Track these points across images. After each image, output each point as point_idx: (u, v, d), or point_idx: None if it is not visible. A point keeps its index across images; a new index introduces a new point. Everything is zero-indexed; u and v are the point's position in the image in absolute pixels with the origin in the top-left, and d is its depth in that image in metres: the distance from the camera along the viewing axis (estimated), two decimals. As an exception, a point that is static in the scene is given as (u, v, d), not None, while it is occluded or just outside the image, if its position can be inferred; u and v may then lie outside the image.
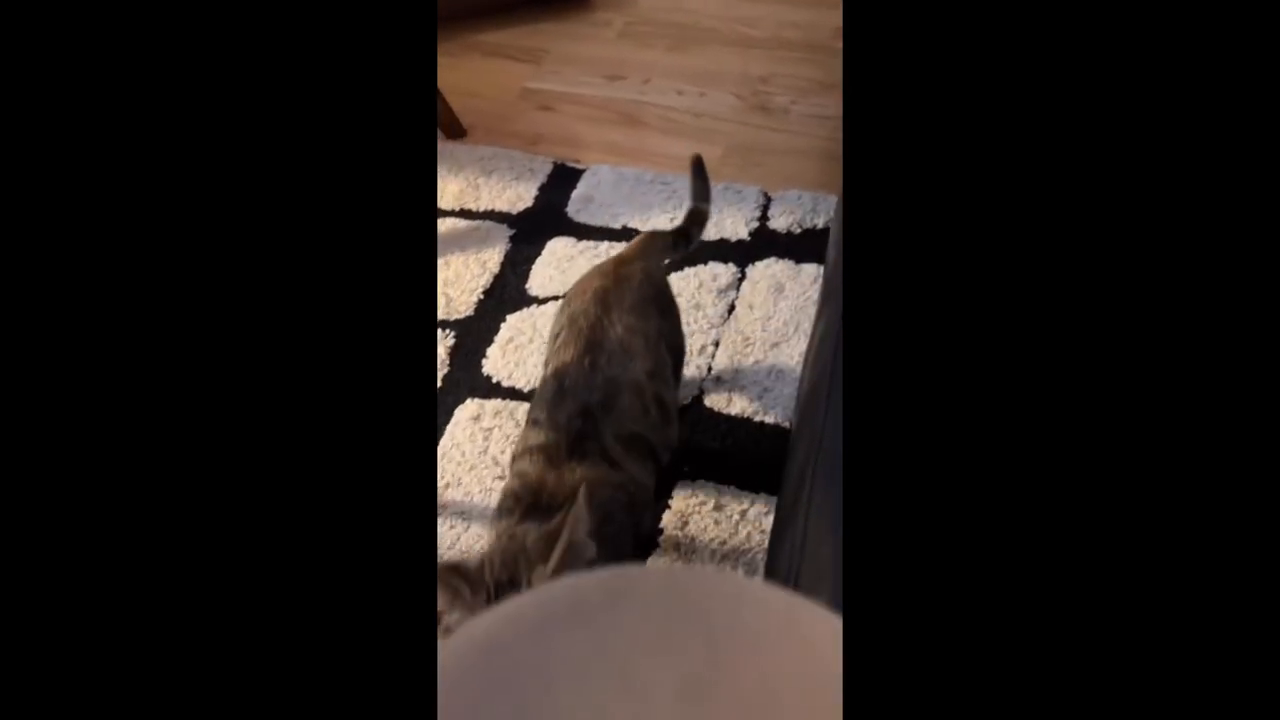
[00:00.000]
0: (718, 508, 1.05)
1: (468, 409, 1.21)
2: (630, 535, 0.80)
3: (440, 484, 1.12)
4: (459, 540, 1.06)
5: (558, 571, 0.56)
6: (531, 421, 0.83)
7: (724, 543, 1.02)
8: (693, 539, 1.02)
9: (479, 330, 1.32)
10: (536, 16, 1.89)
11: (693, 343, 1.25)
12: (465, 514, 1.08)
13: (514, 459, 0.83)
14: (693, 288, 1.33)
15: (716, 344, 1.25)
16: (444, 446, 1.16)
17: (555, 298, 1.35)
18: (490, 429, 1.17)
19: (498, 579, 0.57)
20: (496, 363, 1.26)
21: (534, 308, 1.34)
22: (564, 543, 0.57)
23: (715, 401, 1.17)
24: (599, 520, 0.64)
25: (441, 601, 0.57)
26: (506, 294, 1.37)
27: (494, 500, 1.08)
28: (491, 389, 1.23)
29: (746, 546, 1.01)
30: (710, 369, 1.22)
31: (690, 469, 1.08)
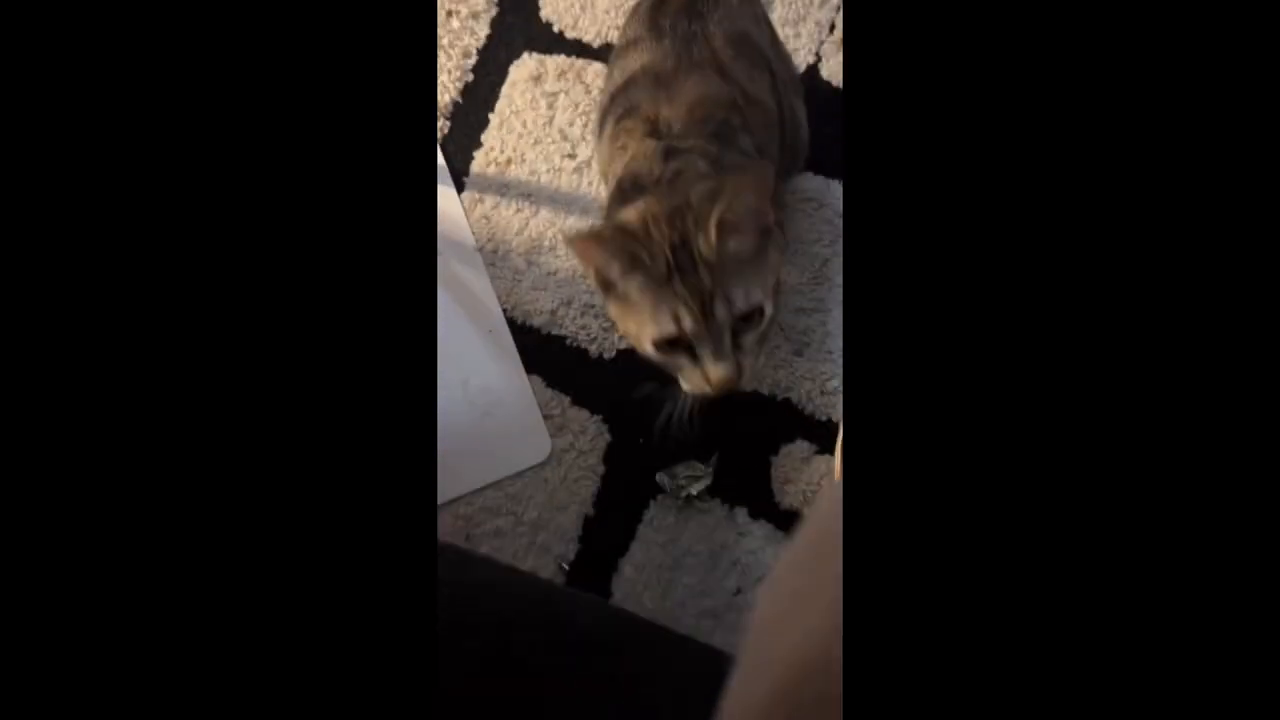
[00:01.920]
0: (822, 205, 0.90)
1: (525, 66, 0.98)
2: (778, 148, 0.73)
3: (501, 159, 0.96)
4: (527, 225, 0.94)
5: (719, 247, 0.55)
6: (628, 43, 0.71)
7: (828, 244, 0.88)
8: (793, 238, 0.89)
9: (533, -44, 1.01)
10: None
11: (813, -13, 0.95)
12: (532, 197, 0.94)
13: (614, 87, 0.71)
14: (821, -99, 0.97)
15: (844, -10, 0.95)
16: (501, 113, 0.97)
17: (632, -91, 1.01)
18: (555, 94, 0.96)
19: (671, 242, 0.55)
20: (558, 4, 0.99)
21: (604, -77, 1.01)
22: (716, 218, 0.55)
23: (834, 71, 0.93)
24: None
25: (618, 268, 0.57)
26: (567, -100, 1.02)
27: (563, 182, 0.93)
28: (553, 41, 0.98)
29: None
30: (833, 27, 0.94)
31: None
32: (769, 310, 0.58)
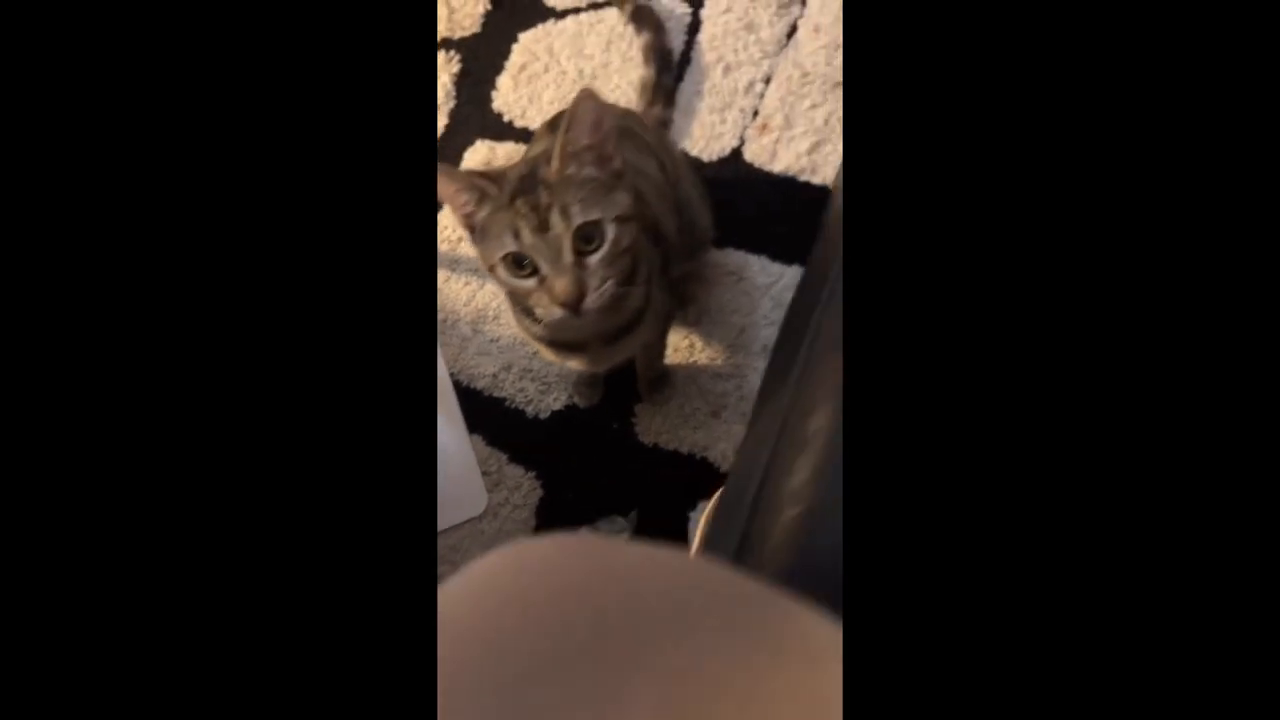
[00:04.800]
0: (741, 279, 0.97)
1: (478, 152, 1.08)
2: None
3: (454, 237, 1.06)
4: (474, 297, 1.03)
5: (560, 170, 0.59)
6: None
7: (745, 315, 0.96)
8: (711, 310, 0.96)
9: (487, 53, 1.12)
10: None
11: (737, 77, 1.04)
12: (479, 271, 1.04)
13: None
14: (745, 1, 1.07)
15: (767, 80, 1.04)
16: (454, 195, 1.07)
17: (575, 10, 1.12)
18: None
19: (520, 173, 0.60)
20: (508, 96, 1.10)
21: (551, 23, 1.12)
22: (561, 139, 0.59)
23: (756, 154, 1.01)
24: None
25: (471, 201, 0.61)
26: (518, 5, 1.14)
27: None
28: (503, 129, 1.08)
29: (768, 320, 0.95)
30: (756, 113, 1.03)
31: (719, 234, 0.98)
32: (610, 233, 0.59)
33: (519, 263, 0.60)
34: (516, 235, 0.59)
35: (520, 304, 0.67)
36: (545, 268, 0.59)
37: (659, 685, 0.18)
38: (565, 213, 0.58)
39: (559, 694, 0.17)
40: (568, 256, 0.59)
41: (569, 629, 0.19)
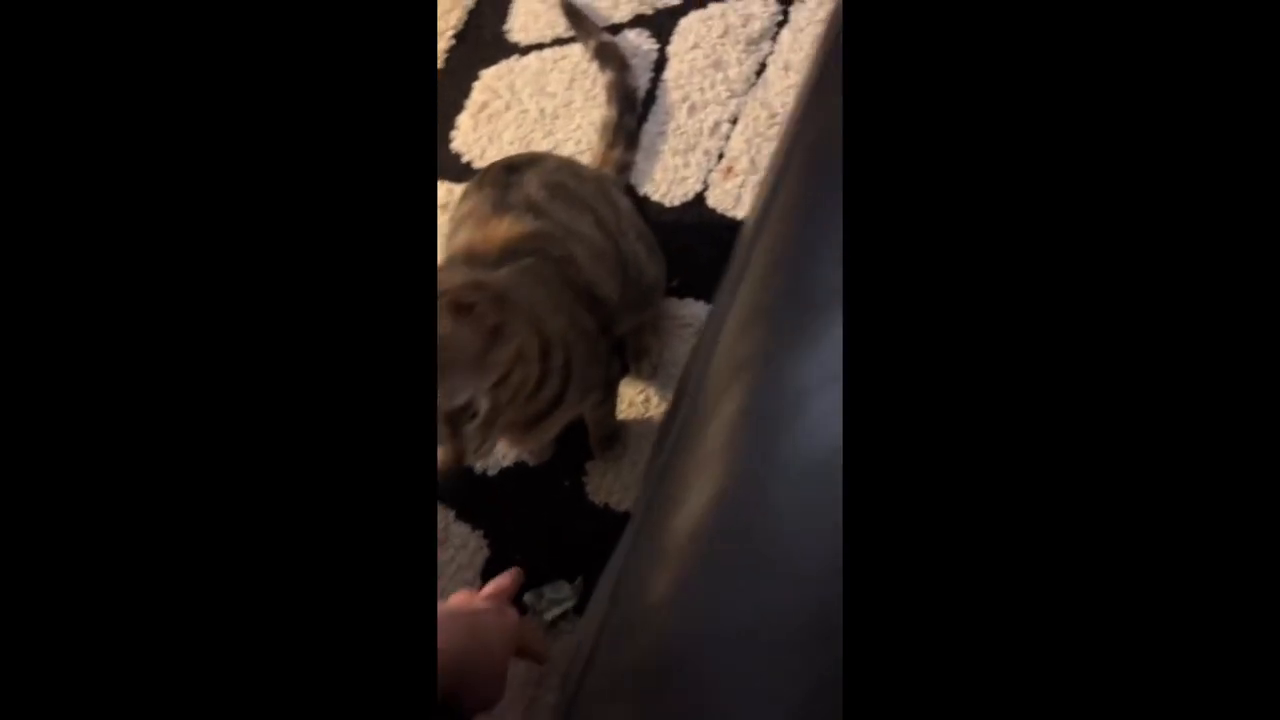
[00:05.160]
0: (700, 330, 0.93)
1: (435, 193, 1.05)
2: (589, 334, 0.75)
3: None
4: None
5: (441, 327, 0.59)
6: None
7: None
8: (665, 363, 0.92)
9: (449, 91, 1.09)
10: None
11: (703, 117, 1.00)
12: (433, 318, 1.01)
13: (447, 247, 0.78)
14: (713, 36, 1.03)
15: (734, 120, 0.99)
16: (410, 239, 1.04)
17: (539, 45, 1.08)
18: (460, 220, 1.03)
19: None
20: (467, 136, 1.07)
21: (514, 59, 1.08)
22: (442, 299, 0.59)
23: (720, 199, 0.97)
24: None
25: None
26: (482, 39, 1.11)
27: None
28: (461, 170, 1.05)
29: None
30: (721, 155, 0.99)
31: (678, 283, 0.93)
32: (484, 404, 0.60)
33: None
34: None
35: None
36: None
37: None
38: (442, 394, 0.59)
39: None
40: (444, 430, 0.60)
41: None
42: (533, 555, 0.90)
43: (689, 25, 1.04)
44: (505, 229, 0.72)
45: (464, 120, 1.07)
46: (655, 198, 0.99)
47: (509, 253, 0.70)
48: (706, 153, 0.99)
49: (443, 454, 0.60)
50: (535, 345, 0.65)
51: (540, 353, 0.65)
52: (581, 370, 0.71)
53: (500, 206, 0.74)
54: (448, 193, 1.05)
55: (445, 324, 0.58)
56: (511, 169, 0.77)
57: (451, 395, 0.59)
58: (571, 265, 0.72)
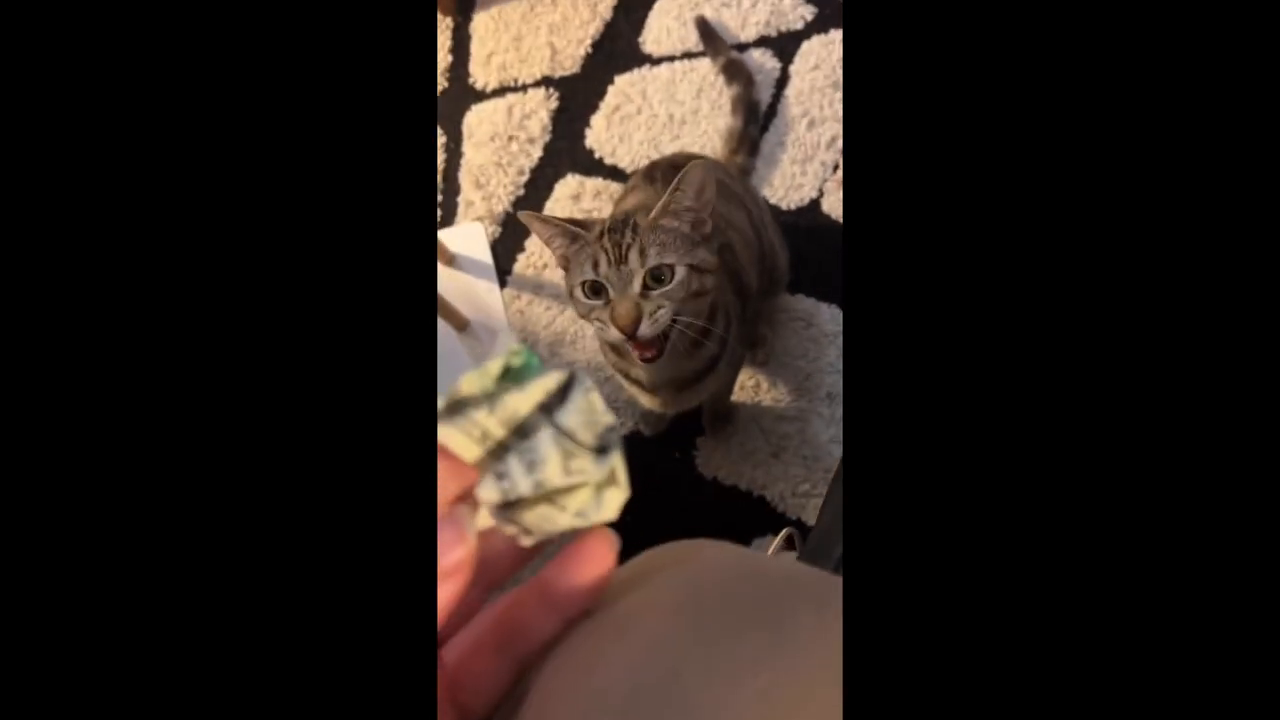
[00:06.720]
0: (811, 325, 1.01)
1: (568, 185, 1.15)
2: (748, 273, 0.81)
3: (539, 264, 1.12)
4: (554, 321, 1.09)
5: (655, 220, 0.66)
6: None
7: (812, 361, 0.99)
8: (778, 352, 1.00)
9: (584, 93, 1.19)
10: None
11: (821, 132, 1.08)
12: (560, 298, 1.10)
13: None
14: (833, 59, 1.11)
15: (849, 136, 1.08)
16: (542, 224, 1.14)
17: (670, 57, 1.18)
18: (589, 211, 1.12)
19: (611, 222, 0.68)
20: (600, 134, 1.16)
21: (646, 69, 1.18)
22: (668, 196, 0.66)
23: (833, 206, 1.05)
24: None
25: (563, 242, 0.70)
26: (617, 49, 1.21)
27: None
28: (593, 165, 1.15)
29: (834, 368, 0.98)
30: (836, 167, 1.07)
31: (791, 280, 1.02)
32: (680, 275, 0.66)
33: (595, 289, 0.68)
34: (596, 265, 0.66)
35: (602, 337, 0.73)
36: (614, 294, 0.66)
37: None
38: (643, 253, 0.66)
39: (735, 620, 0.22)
40: (636, 287, 0.66)
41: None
42: (642, 519, 0.98)
43: (810, 48, 1.13)
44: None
45: (597, 120, 1.17)
46: (773, 201, 1.07)
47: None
48: (822, 164, 1.07)
49: (624, 309, 0.65)
50: (719, 286, 0.71)
51: (710, 311, 0.71)
52: (733, 345, 0.79)
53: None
54: (579, 184, 1.14)
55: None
56: (676, 166, 0.85)
57: (660, 255, 0.65)
58: (730, 252, 0.79)
